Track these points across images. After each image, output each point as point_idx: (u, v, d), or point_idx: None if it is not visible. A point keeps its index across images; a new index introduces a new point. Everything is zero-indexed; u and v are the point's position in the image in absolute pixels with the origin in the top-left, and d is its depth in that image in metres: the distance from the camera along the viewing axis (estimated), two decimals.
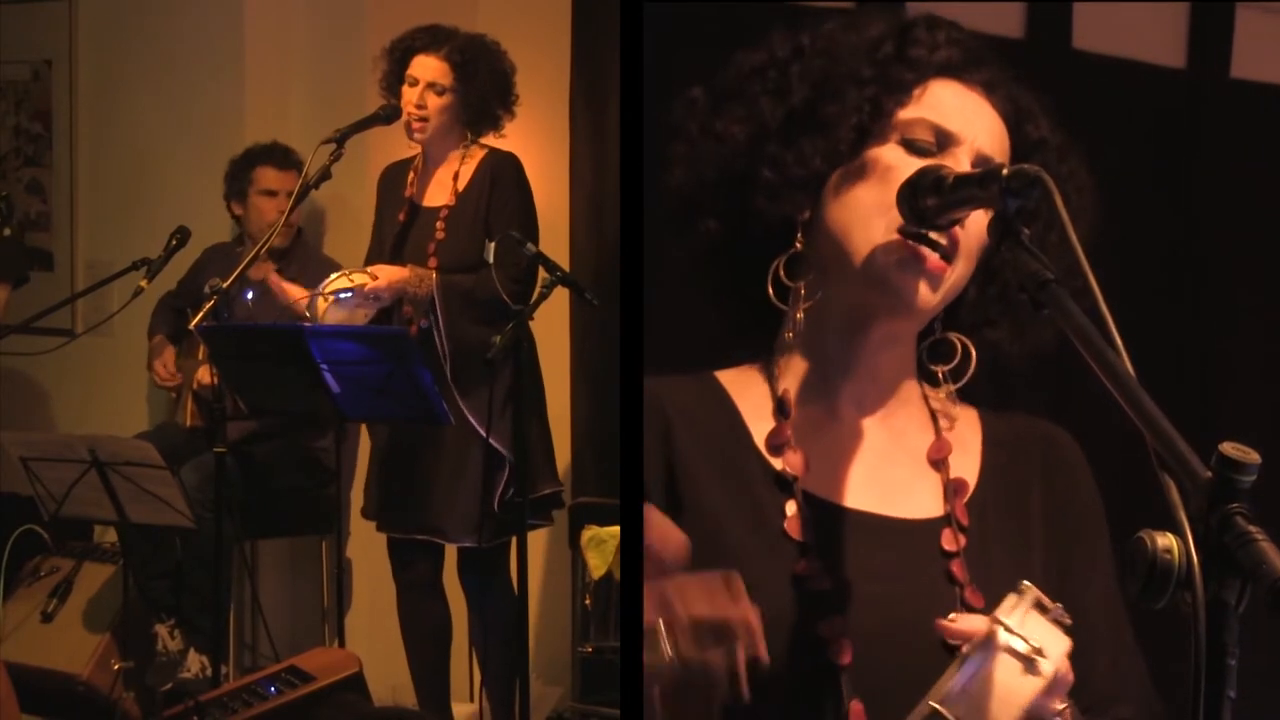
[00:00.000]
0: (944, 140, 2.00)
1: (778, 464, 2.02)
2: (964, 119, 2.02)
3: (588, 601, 4.74)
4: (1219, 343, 2.97)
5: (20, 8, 5.83)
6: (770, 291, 2.05)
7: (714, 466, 2.01)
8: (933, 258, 1.95)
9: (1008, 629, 1.77)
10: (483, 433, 4.21)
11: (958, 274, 1.98)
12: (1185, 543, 1.43)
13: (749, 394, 2.08)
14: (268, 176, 5.05)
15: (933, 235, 1.94)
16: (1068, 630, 1.80)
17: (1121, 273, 1.81)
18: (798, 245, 2.04)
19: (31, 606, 5.06)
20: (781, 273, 2.05)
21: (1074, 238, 1.64)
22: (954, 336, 2.07)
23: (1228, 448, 1.44)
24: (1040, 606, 1.80)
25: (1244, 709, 1.45)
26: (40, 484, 4.40)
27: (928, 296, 1.96)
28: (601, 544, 4.63)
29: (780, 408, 2.05)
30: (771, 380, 2.08)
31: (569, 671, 4.83)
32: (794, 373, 2.07)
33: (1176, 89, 3.01)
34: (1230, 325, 2.97)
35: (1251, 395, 2.89)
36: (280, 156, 5.08)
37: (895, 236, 1.95)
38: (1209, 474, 1.44)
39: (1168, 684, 2.06)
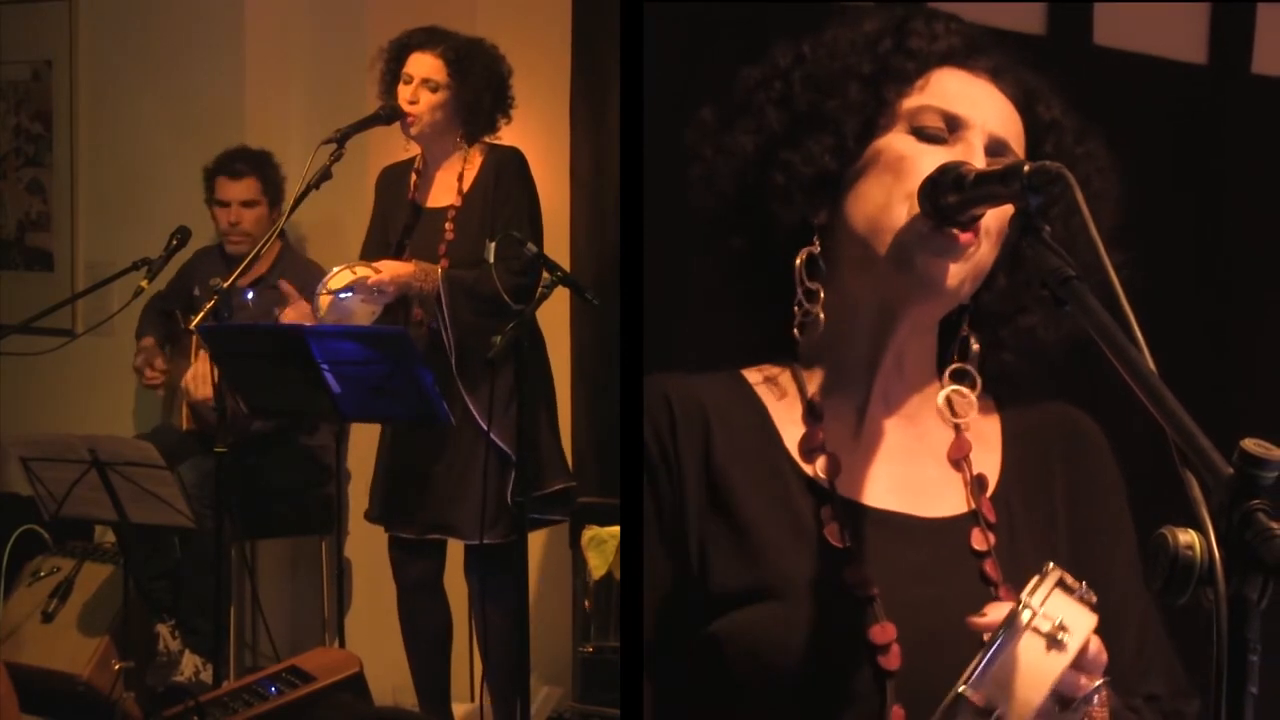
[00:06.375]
0: (953, 125, 2.00)
1: (810, 469, 2.01)
2: (971, 103, 2.02)
3: (588, 602, 4.74)
4: (1243, 338, 2.98)
5: (20, 8, 5.83)
6: (801, 294, 2.03)
7: (747, 468, 2.01)
8: (959, 233, 1.94)
9: (1030, 608, 1.77)
10: (498, 432, 4.20)
11: (981, 253, 1.97)
12: (1207, 539, 1.43)
13: (777, 395, 2.08)
14: (222, 187, 5.07)
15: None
16: (1094, 608, 1.79)
17: (1144, 268, 1.81)
18: (815, 248, 2.03)
19: (32, 606, 5.06)
20: (803, 275, 2.04)
21: (1095, 233, 1.64)
22: (972, 338, 2.06)
23: (1250, 444, 1.43)
24: (1064, 585, 1.79)
25: (1266, 706, 1.45)
26: (40, 484, 4.40)
27: (957, 273, 1.95)
28: (601, 544, 4.63)
29: (811, 411, 2.05)
30: (799, 381, 2.07)
31: (569, 671, 4.83)
32: (822, 374, 2.07)
33: (1198, 85, 3.02)
34: (1254, 320, 2.97)
35: (1275, 391, 2.89)
36: (230, 167, 5.08)
37: (918, 220, 1.95)
38: (1231, 470, 1.44)
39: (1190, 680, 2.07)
